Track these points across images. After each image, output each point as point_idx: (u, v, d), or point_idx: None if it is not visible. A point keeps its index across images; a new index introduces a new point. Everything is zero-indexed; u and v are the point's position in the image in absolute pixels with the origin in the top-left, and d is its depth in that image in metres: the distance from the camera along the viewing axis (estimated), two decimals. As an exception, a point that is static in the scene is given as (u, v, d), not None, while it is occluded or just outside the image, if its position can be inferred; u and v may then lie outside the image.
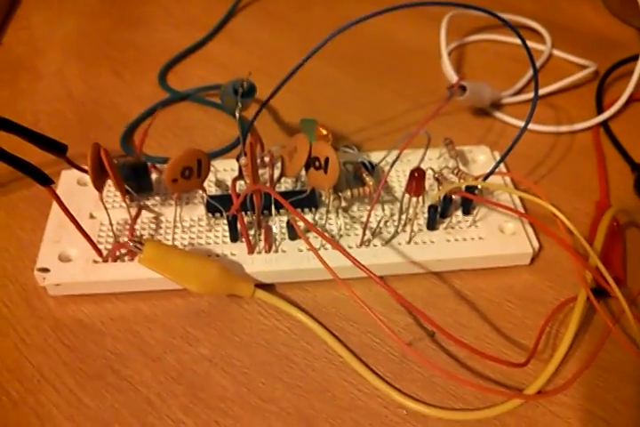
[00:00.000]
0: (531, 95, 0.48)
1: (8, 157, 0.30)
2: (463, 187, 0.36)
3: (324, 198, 0.38)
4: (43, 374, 0.33)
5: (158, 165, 0.40)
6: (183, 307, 0.36)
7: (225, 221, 0.37)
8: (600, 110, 0.48)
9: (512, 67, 0.53)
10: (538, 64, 0.53)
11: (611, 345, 0.33)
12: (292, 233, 0.36)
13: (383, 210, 0.38)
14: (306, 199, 0.36)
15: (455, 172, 0.38)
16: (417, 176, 0.33)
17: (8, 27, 0.58)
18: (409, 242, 0.37)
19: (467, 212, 0.38)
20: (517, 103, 0.49)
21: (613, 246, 0.37)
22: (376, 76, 0.52)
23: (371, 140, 0.45)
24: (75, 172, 0.38)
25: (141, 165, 0.38)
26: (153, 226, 0.38)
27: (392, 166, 0.35)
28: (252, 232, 0.37)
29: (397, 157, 0.35)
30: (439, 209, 0.37)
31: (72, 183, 0.40)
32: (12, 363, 0.33)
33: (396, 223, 0.37)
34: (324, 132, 0.40)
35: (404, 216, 0.37)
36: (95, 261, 0.36)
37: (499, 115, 0.48)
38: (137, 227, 0.37)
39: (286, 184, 0.40)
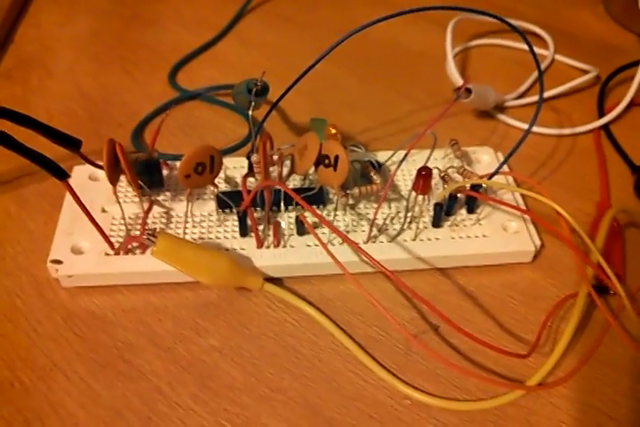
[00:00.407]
0: (533, 98, 0.49)
1: (27, 152, 0.31)
2: (468, 186, 0.37)
3: (331, 196, 0.39)
4: (55, 363, 0.33)
5: (169, 162, 0.41)
6: (193, 299, 0.36)
7: (235, 217, 0.38)
8: (601, 114, 0.49)
9: (515, 71, 0.54)
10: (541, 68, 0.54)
11: (610, 340, 0.34)
12: (300, 229, 0.37)
13: (389, 207, 0.39)
14: (314, 196, 0.37)
15: (460, 171, 0.39)
16: (424, 175, 0.34)
17: (20, 24, 0.59)
18: (414, 239, 0.37)
19: (471, 210, 0.39)
20: (520, 106, 0.50)
21: (614, 245, 0.38)
22: (382, 78, 0.53)
23: (377, 140, 0.46)
24: (87, 167, 0.38)
25: (154, 161, 0.39)
26: (164, 220, 0.39)
27: (399, 165, 0.36)
28: (261, 227, 0.37)
29: (405, 156, 0.36)
30: (444, 207, 0.38)
31: (84, 178, 0.41)
32: (25, 352, 0.34)
33: (401, 220, 0.38)
34: (333, 131, 0.40)
35: (409, 214, 0.38)
36: (107, 254, 0.36)
37: (502, 117, 0.49)
38: (148, 221, 0.38)
39: (294, 182, 0.41)
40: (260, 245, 0.37)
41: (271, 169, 0.37)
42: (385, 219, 0.38)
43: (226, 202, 0.37)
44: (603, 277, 0.32)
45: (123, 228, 0.38)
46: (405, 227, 0.38)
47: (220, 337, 0.35)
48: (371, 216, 0.38)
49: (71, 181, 0.33)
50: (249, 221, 0.37)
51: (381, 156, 0.42)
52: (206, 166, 0.34)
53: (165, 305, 0.36)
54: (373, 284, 0.36)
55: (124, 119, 0.48)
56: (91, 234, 0.36)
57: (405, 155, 0.36)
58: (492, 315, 0.36)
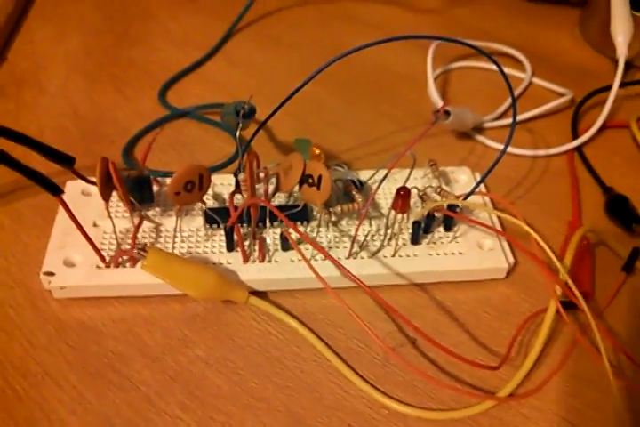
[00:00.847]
0: (511, 120, 0.51)
1: (23, 168, 0.32)
2: (445, 205, 0.39)
3: (315, 213, 0.41)
4: (47, 372, 0.34)
5: (159, 179, 0.42)
6: (181, 311, 0.38)
7: (222, 232, 0.39)
8: (575, 136, 0.51)
9: (494, 93, 0.55)
10: (518, 91, 0.56)
11: (578, 354, 0.36)
12: (285, 244, 0.39)
13: (370, 225, 0.41)
14: (298, 213, 0.38)
15: (438, 191, 0.41)
16: (403, 194, 0.36)
17: (13, 42, 0.60)
18: (394, 255, 0.39)
19: (448, 228, 0.41)
20: (498, 127, 0.52)
21: (583, 263, 0.40)
22: (366, 99, 0.55)
23: (360, 160, 0.48)
24: (79, 182, 0.39)
25: (145, 178, 0.40)
26: (153, 235, 0.40)
27: (380, 185, 0.37)
28: (246, 243, 0.39)
29: (385, 176, 0.37)
30: (422, 225, 0.39)
31: (77, 193, 0.42)
32: (18, 361, 0.35)
33: (382, 237, 0.40)
34: (317, 151, 0.42)
35: (389, 231, 0.39)
36: (98, 267, 0.38)
37: (480, 138, 0.51)
38: (138, 235, 0.39)
39: (280, 199, 0.42)
40: (245, 259, 0.38)
41: (257, 186, 0.38)
42: (366, 235, 0.40)
43: (213, 218, 0.39)
44: (570, 295, 0.33)
45: (114, 242, 0.39)
46: (385, 243, 0.39)
47: (207, 348, 0.36)
48: (352, 233, 0.39)
49: (64, 196, 0.34)
50: (235, 237, 0.38)
51: (364, 174, 0.44)
52: (195, 184, 0.36)
53: (154, 317, 0.37)
54: (354, 298, 0.37)
55: (116, 136, 0.49)
56: (83, 247, 0.37)
57: (386, 174, 0.38)
58: (466, 329, 0.37)
